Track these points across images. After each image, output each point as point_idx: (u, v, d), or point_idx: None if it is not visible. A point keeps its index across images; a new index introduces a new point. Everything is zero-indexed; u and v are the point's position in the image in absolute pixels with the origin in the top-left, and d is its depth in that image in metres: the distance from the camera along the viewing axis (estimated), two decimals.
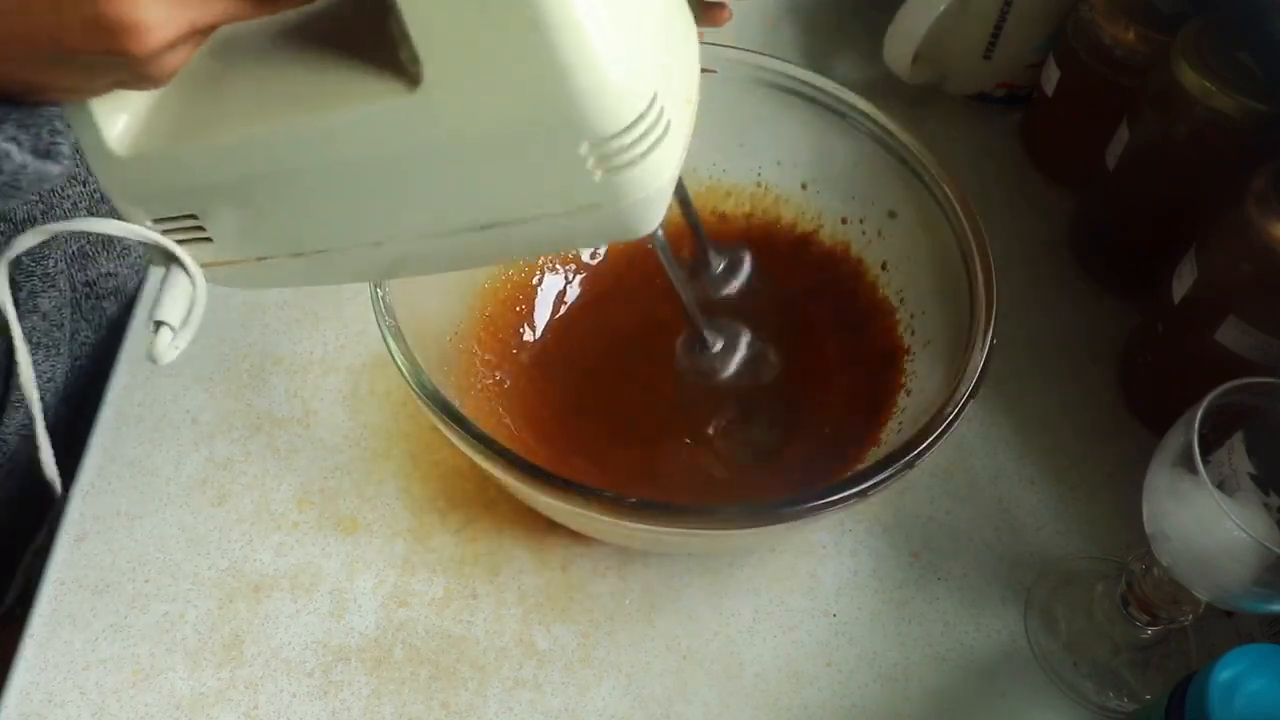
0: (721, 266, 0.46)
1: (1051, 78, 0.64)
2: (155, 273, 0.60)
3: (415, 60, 0.30)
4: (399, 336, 0.44)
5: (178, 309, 0.35)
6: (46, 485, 0.54)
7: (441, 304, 0.51)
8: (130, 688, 0.47)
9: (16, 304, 0.53)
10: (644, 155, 0.31)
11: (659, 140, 0.31)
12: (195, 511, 0.52)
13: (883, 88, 0.70)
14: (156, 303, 0.35)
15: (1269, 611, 0.48)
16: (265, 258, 0.37)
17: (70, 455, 0.53)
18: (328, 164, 0.33)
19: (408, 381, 0.43)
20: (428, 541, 0.52)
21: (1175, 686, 0.41)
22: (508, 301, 0.55)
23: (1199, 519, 0.39)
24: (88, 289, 0.57)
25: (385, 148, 0.32)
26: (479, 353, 0.53)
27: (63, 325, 0.56)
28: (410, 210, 0.34)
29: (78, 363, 0.58)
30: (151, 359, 0.35)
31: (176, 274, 0.36)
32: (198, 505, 0.52)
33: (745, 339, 0.45)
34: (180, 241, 0.36)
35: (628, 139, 0.30)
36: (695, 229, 0.42)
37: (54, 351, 0.56)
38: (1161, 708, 0.41)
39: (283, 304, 0.60)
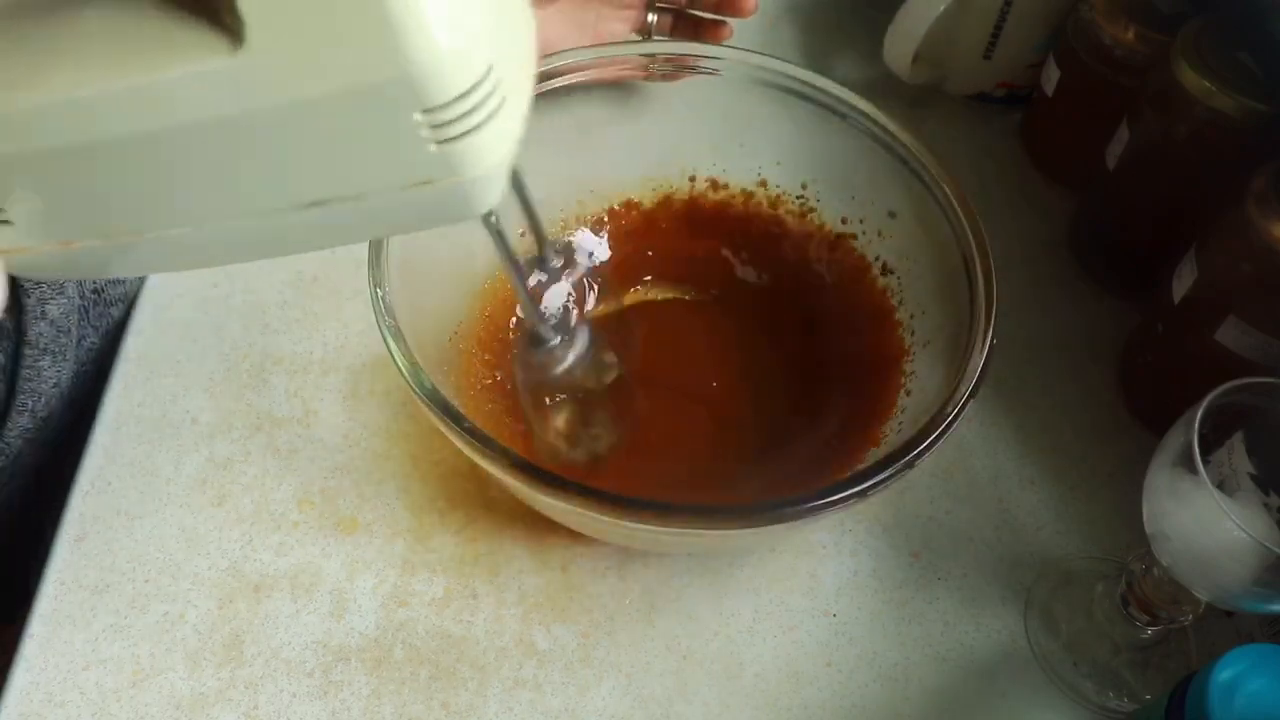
0: (560, 262, 0.45)
1: (1051, 78, 0.64)
2: (156, 275, 0.60)
3: (236, 17, 0.28)
4: (399, 336, 0.43)
5: None
6: (48, 487, 0.54)
7: (441, 304, 0.51)
8: (130, 688, 0.47)
9: (25, 310, 0.53)
10: (480, 127, 0.30)
11: (495, 112, 0.30)
12: (195, 511, 0.52)
13: (883, 88, 0.70)
14: None
15: (1269, 611, 0.48)
16: (71, 242, 0.33)
17: (72, 457, 0.53)
18: (136, 134, 0.30)
19: (408, 381, 0.43)
20: (428, 541, 0.52)
21: (1175, 686, 0.41)
22: (508, 301, 0.55)
23: (1199, 519, 0.39)
24: (95, 296, 0.58)
25: (203, 115, 0.29)
26: (479, 353, 0.53)
27: (70, 331, 0.56)
28: (231, 186, 0.32)
29: (83, 368, 0.58)
30: None
31: None
32: (198, 505, 0.52)
33: (584, 336, 0.44)
34: None
35: (463, 108, 0.29)
36: (532, 220, 0.42)
37: (60, 357, 0.56)
38: (1161, 708, 0.41)
39: (283, 304, 0.60)
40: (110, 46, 0.30)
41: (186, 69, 0.29)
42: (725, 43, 0.59)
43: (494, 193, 0.33)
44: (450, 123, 0.29)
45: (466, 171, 0.31)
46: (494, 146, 0.31)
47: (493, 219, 0.36)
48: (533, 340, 0.44)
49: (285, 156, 0.31)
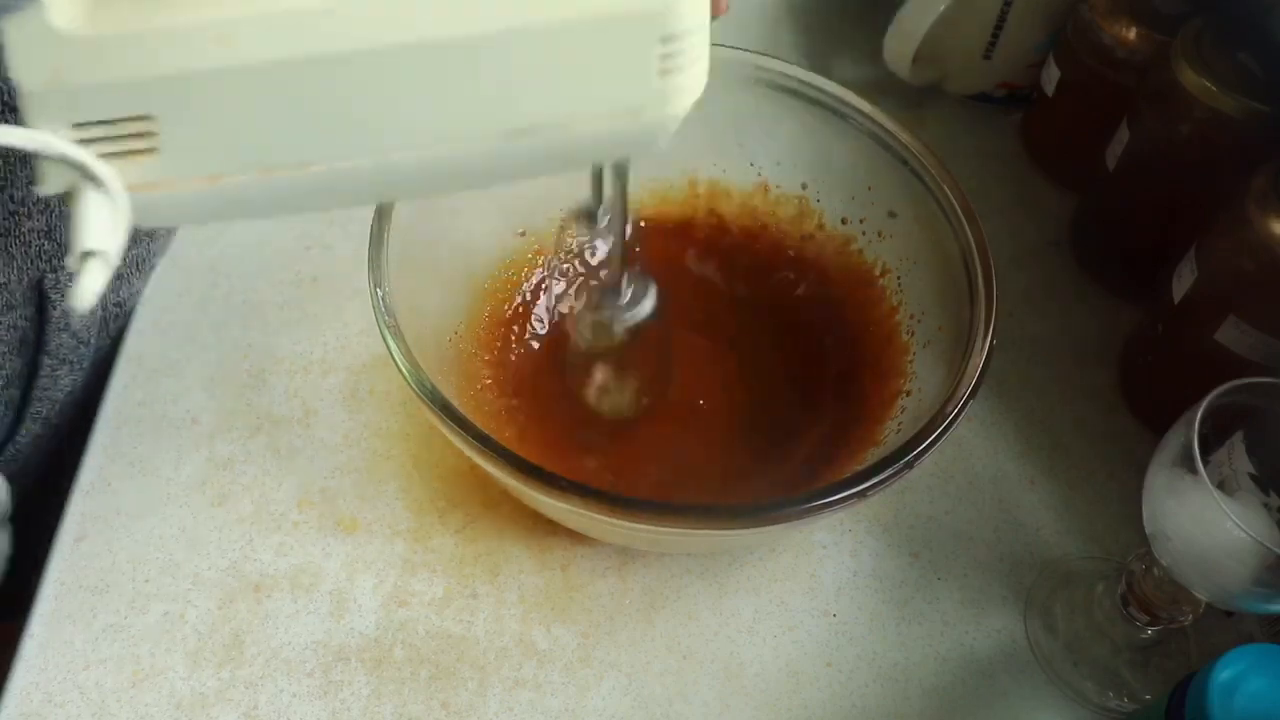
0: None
1: (1051, 78, 0.64)
2: (156, 276, 0.60)
3: None
4: (399, 336, 0.44)
5: (104, 235, 0.28)
6: (53, 490, 0.54)
7: (441, 304, 0.51)
8: (130, 688, 0.47)
9: (49, 321, 0.53)
10: (695, 62, 0.31)
11: (706, 50, 0.31)
12: (195, 511, 0.52)
13: (883, 88, 0.70)
14: (76, 232, 0.28)
15: (1269, 611, 0.48)
16: (222, 175, 0.29)
17: (74, 457, 0.53)
18: (349, 50, 0.27)
19: (408, 382, 0.43)
20: (428, 541, 0.52)
21: (1175, 686, 0.41)
22: (508, 301, 0.55)
23: (1199, 519, 0.39)
24: (117, 308, 0.58)
25: (431, 33, 0.27)
26: (479, 353, 0.53)
27: (89, 343, 0.56)
28: (438, 112, 0.29)
29: (96, 372, 0.58)
30: (75, 301, 0.27)
31: (88, 200, 0.28)
32: (198, 505, 0.52)
33: (652, 297, 0.45)
34: (107, 155, 0.28)
35: (693, 40, 0.30)
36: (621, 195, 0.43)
37: (77, 367, 0.56)
38: (1161, 708, 0.41)
39: (282, 304, 0.60)
40: None
41: None
42: (726, 43, 0.59)
43: (671, 133, 0.33)
44: (679, 54, 0.30)
45: (673, 104, 0.31)
46: (696, 85, 0.32)
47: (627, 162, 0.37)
48: (607, 295, 0.45)
49: (510, 81, 0.29)
